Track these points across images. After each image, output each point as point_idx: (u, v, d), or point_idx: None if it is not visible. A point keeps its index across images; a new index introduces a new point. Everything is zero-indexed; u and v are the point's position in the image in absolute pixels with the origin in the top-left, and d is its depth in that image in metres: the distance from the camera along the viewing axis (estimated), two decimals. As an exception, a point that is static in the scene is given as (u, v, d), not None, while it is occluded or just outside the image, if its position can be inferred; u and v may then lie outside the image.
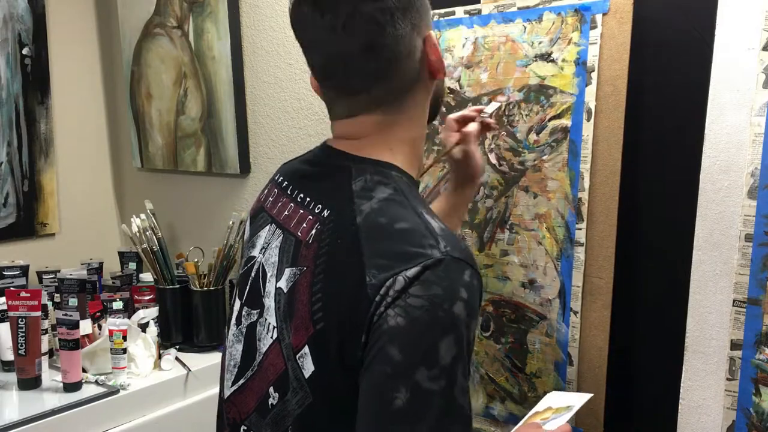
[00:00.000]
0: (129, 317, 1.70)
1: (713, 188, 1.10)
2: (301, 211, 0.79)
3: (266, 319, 0.80)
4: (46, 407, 1.40)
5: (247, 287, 0.85)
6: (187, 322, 1.78)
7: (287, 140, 1.78)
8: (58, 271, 1.74)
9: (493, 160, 1.30)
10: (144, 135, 2.12)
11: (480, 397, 1.34)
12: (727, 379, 1.09)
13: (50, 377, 1.54)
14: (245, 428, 0.84)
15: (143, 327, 1.67)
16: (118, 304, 1.72)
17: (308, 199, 0.80)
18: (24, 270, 1.84)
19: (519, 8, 1.26)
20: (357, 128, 0.80)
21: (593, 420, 1.22)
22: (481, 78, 1.31)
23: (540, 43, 1.24)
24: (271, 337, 0.78)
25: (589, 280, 1.21)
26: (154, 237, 1.81)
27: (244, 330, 0.84)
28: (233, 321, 0.87)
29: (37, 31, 1.99)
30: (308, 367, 0.72)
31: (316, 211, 0.77)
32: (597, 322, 1.21)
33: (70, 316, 1.48)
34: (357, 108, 0.79)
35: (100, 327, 1.68)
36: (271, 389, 0.78)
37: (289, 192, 0.84)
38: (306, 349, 0.72)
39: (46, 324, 1.55)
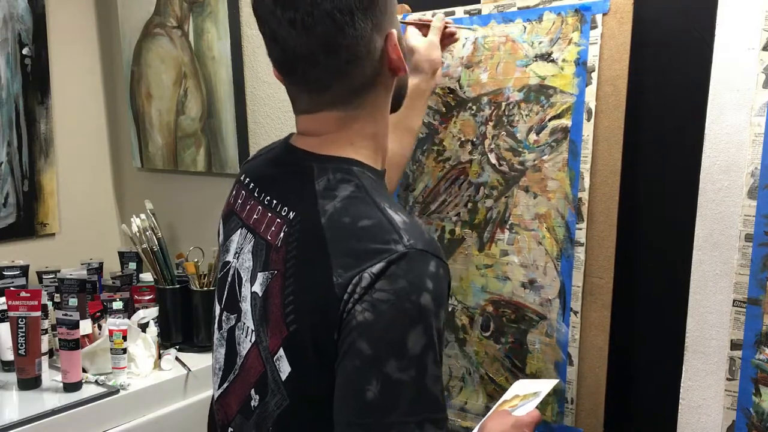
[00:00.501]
0: (129, 317, 1.70)
1: (713, 188, 1.10)
2: (269, 215, 0.80)
3: (244, 323, 0.81)
4: (46, 407, 1.40)
5: (225, 292, 0.86)
6: (187, 322, 1.78)
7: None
8: (58, 271, 1.74)
9: (494, 160, 1.30)
10: (144, 135, 2.12)
11: (480, 397, 1.34)
12: (727, 379, 1.09)
13: (50, 377, 1.54)
14: (231, 430, 0.85)
15: (143, 327, 1.67)
16: (118, 304, 1.72)
17: (274, 201, 0.80)
18: (24, 270, 1.84)
19: (519, 8, 1.26)
20: (318, 125, 0.81)
21: (593, 420, 1.22)
22: (481, 78, 1.31)
23: (540, 43, 1.24)
24: (250, 341, 0.79)
25: (589, 280, 1.21)
26: (154, 237, 1.81)
27: (225, 334, 0.85)
28: (216, 325, 0.89)
29: (37, 31, 1.99)
30: (285, 369, 0.74)
31: (283, 213, 0.78)
32: (597, 322, 1.21)
33: (70, 316, 1.48)
34: (318, 104, 0.80)
35: (100, 327, 1.68)
36: (253, 391, 0.79)
37: (256, 194, 0.84)
38: (281, 351, 0.74)
39: (46, 324, 1.55)
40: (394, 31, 0.79)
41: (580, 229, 1.21)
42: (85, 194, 2.18)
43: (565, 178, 1.22)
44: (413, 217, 0.87)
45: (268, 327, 0.76)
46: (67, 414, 1.41)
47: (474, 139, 1.32)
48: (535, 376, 1.27)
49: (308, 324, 0.72)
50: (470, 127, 1.33)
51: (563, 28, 1.21)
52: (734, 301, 1.08)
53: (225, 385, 0.86)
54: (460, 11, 1.34)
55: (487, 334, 1.33)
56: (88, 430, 1.43)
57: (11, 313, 1.49)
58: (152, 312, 1.74)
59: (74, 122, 2.13)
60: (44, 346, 1.54)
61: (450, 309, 1.36)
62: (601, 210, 1.19)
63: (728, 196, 1.08)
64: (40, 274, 1.90)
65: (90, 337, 1.63)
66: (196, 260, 1.77)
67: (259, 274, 0.78)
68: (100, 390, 1.50)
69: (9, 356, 1.56)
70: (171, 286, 1.79)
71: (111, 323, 1.56)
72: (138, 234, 1.80)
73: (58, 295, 1.65)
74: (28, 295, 1.49)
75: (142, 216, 1.83)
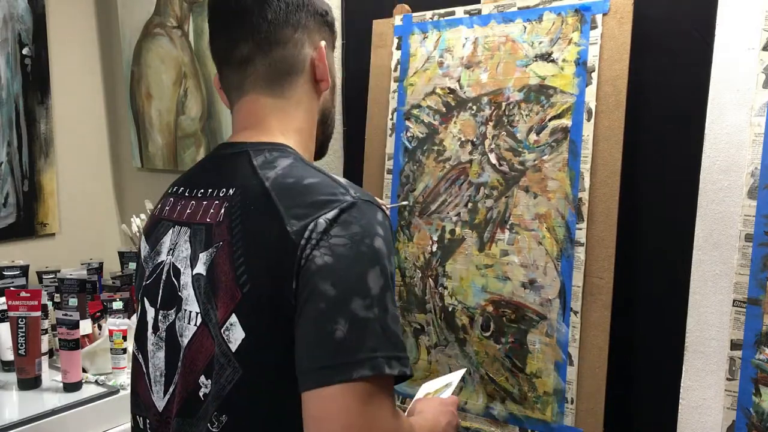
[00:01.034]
0: (129, 317, 1.70)
1: (713, 188, 1.10)
2: (205, 202, 0.81)
3: (186, 311, 0.80)
4: (46, 407, 1.40)
5: (160, 292, 0.85)
6: (187, 322, 1.77)
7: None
8: (58, 271, 1.74)
9: (493, 160, 1.30)
10: (144, 135, 2.12)
11: (480, 397, 1.34)
12: (727, 379, 1.09)
13: (50, 377, 1.54)
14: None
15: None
16: (118, 304, 1.72)
17: (210, 189, 0.82)
18: (24, 270, 1.84)
19: (519, 8, 1.26)
20: (248, 109, 0.85)
21: (593, 420, 1.22)
22: (481, 78, 1.31)
23: (540, 43, 1.24)
24: (195, 324, 0.78)
25: (589, 280, 1.21)
26: (154, 237, 1.80)
27: (163, 335, 0.84)
28: (149, 331, 0.86)
29: (37, 31, 1.99)
30: (236, 338, 0.74)
31: (221, 194, 0.79)
32: (597, 322, 1.21)
33: (70, 316, 1.48)
34: (247, 84, 0.84)
35: (100, 327, 1.68)
36: (202, 378, 0.78)
37: (187, 194, 0.86)
38: (233, 317, 0.74)
39: (46, 324, 1.55)
40: (323, 44, 0.87)
41: (580, 229, 1.21)
42: (85, 194, 2.18)
43: (565, 178, 1.22)
44: None
45: (216, 299, 0.75)
46: (67, 414, 1.40)
47: (474, 139, 1.32)
48: (535, 375, 1.27)
49: (264, 279, 0.72)
50: (470, 127, 1.33)
51: (563, 28, 1.21)
52: (734, 301, 1.08)
53: (172, 389, 0.83)
54: (460, 11, 1.34)
55: (487, 334, 1.33)
56: (88, 430, 1.43)
57: (11, 313, 1.49)
58: (152, 312, 1.74)
59: (74, 122, 2.13)
60: (44, 346, 1.54)
61: (450, 309, 1.36)
62: (601, 210, 1.19)
63: (728, 196, 1.08)
64: (40, 274, 1.90)
65: (90, 337, 1.63)
66: (196, 260, 1.76)
67: (201, 254, 0.79)
68: (100, 390, 1.50)
69: (9, 356, 1.56)
70: (171, 286, 1.79)
71: (111, 323, 1.56)
72: (138, 234, 1.80)
73: (58, 295, 1.64)
74: (28, 295, 1.49)
75: (142, 216, 1.83)
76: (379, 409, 0.69)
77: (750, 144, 1.05)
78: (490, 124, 1.30)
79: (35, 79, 2.00)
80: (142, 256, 0.91)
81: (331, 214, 0.72)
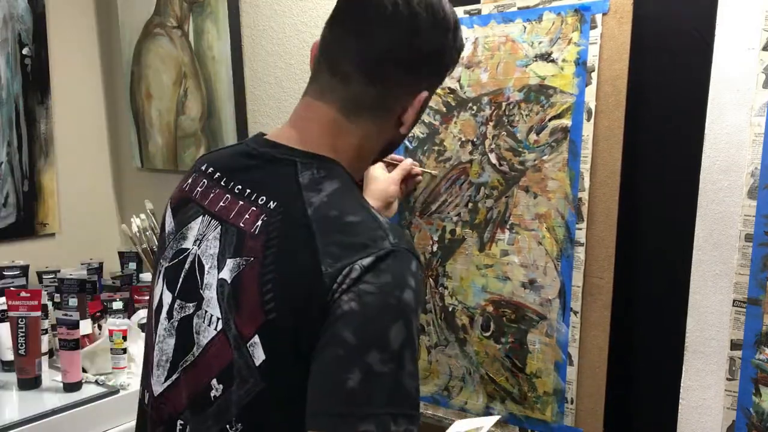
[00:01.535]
0: (129, 317, 1.70)
1: (713, 188, 1.10)
2: (241, 203, 0.79)
3: (206, 311, 0.79)
4: (46, 407, 1.40)
5: (180, 281, 0.83)
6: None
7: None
8: (58, 271, 1.74)
9: (494, 160, 1.30)
10: (144, 135, 2.12)
11: (480, 397, 1.34)
12: (727, 379, 1.09)
13: (50, 377, 1.54)
14: (182, 423, 0.82)
15: (143, 327, 1.67)
16: (118, 304, 1.72)
17: (248, 190, 0.80)
18: (24, 270, 1.84)
19: (519, 8, 1.26)
20: (311, 115, 0.82)
21: (593, 420, 1.22)
22: (481, 78, 1.31)
23: (540, 43, 1.24)
24: (215, 329, 0.77)
25: (589, 280, 1.21)
26: (154, 237, 1.81)
27: (176, 324, 0.83)
28: (163, 315, 0.85)
29: (37, 31, 1.99)
30: (259, 356, 0.73)
31: (260, 202, 0.77)
32: (597, 322, 1.21)
33: (70, 316, 1.48)
34: (328, 92, 0.81)
35: (100, 327, 1.68)
36: (214, 381, 0.77)
37: (223, 183, 0.83)
38: (256, 338, 0.73)
39: (46, 324, 1.55)
40: (426, 94, 0.83)
41: (580, 229, 1.21)
42: (85, 194, 2.18)
43: (565, 178, 1.22)
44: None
45: (239, 314, 0.75)
46: (67, 414, 1.41)
47: (474, 139, 1.33)
48: (535, 375, 1.27)
49: (289, 311, 0.72)
50: (470, 127, 1.33)
51: (563, 28, 1.21)
52: (734, 301, 1.08)
53: (175, 377, 0.82)
54: (460, 11, 1.34)
55: (487, 334, 1.33)
56: (88, 430, 1.43)
57: (11, 313, 1.49)
58: (152, 312, 1.74)
59: (74, 122, 2.13)
60: (44, 346, 1.54)
61: (450, 309, 1.36)
62: (601, 210, 1.19)
63: (728, 196, 1.08)
64: (40, 274, 1.90)
65: (90, 337, 1.63)
66: (196, 260, 1.76)
67: (228, 260, 0.77)
68: (100, 390, 1.50)
69: (9, 356, 1.56)
70: (171, 286, 1.79)
71: (111, 323, 1.56)
72: (138, 234, 1.80)
73: (58, 295, 1.65)
74: (28, 295, 1.49)
75: (142, 216, 1.83)
76: None
77: (750, 144, 1.05)
78: (490, 124, 1.30)
79: (35, 79, 2.00)
80: (166, 230, 0.89)
81: (367, 261, 0.70)
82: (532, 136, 1.26)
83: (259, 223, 0.76)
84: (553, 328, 1.25)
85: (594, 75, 1.18)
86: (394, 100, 0.82)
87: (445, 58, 0.84)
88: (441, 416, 1.36)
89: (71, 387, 1.48)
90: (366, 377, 0.67)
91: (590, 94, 1.18)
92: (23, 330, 1.48)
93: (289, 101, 1.76)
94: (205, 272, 0.80)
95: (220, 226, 0.80)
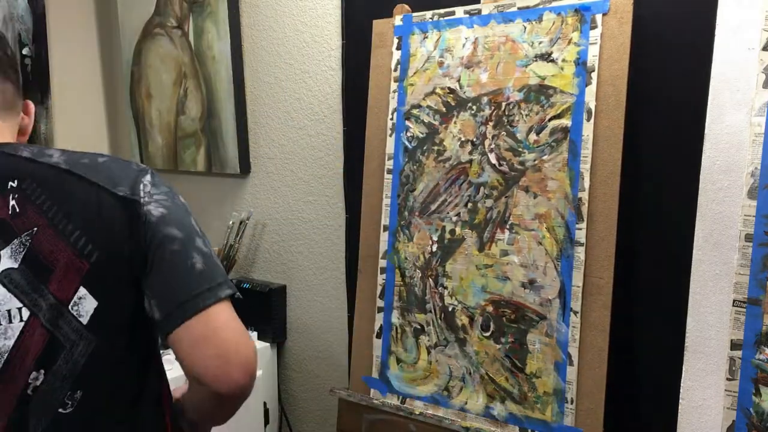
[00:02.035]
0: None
1: (713, 188, 1.10)
2: None
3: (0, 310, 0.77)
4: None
5: None
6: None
7: (287, 140, 1.78)
8: (58, 271, 1.74)
9: (494, 160, 1.30)
10: (144, 135, 2.12)
11: (480, 397, 1.34)
12: (727, 379, 1.09)
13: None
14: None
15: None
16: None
17: None
18: (24, 270, 1.84)
19: (519, 8, 1.26)
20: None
21: (593, 420, 1.22)
22: (481, 78, 1.31)
23: (540, 43, 1.24)
24: (20, 320, 0.77)
25: (589, 280, 1.21)
26: (154, 237, 1.80)
27: None
28: None
29: (37, 31, 1.99)
30: (87, 310, 0.78)
31: None
32: (597, 322, 1.21)
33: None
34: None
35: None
36: (33, 374, 0.77)
37: None
38: (81, 290, 0.78)
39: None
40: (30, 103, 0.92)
41: (580, 229, 1.21)
42: (85, 194, 2.18)
43: (565, 178, 1.22)
44: None
45: (51, 281, 0.77)
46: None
47: (474, 139, 1.33)
48: (535, 375, 1.27)
49: (112, 242, 0.78)
50: (470, 127, 1.33)
51: (563, 28, 1.21)
52: (734, 301, 1.08)
53: None
54: (460, 11, 1.34)
55: (487, 334, 1.33)
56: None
57: (11, 313, 1.49)
58: (152, 312, 1.74)
59: (74, 122, 2.13)
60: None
61: (450, 309, 1.36)
62: (601, 210, 1.19)
63: (728, 196, 1.08)
64: (40, 274, 1.90)
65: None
66: (196, 260, 1.76)
67: (2, 251, 0.77)
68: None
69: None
70: (171, 286, 1.79)
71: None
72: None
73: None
74: (28, 295, 1.49)
75: (142, 216, 1.83)
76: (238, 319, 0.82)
77: (750, 144, 1.05)
78: (490, 124, 1.30)
79: (35, 79, 2.00)
80: None
81: (147, 178, 0.83)
82: (532, 136, 1.26)
83: (13, 202, 0.79)
84: (553, 328, 1.25)
85: (594, 75, 1.18)
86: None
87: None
88: (441, 416, 1.36)
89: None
90: (204, 257, 0.81)
91: (590, 94, 1.18)
92: (23, 330, 1.48)
93: (289, 101, 1.76)
94: None
95: None
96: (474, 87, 1.32)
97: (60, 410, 0.79)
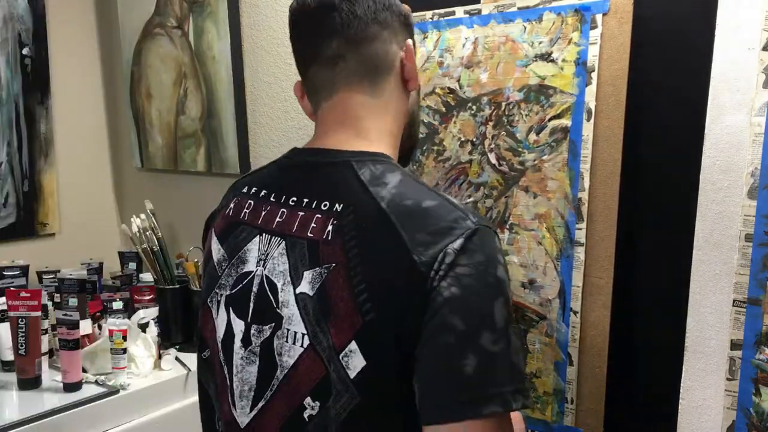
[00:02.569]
0: (129, 317, 1.70)
1: (713, 188, 1.10)
2: (302, 213, 0.77)
3: (288, 330, 0.76)
4: (46, 407, 1.40)
5: (251, 305, 0.81)
6: (187, 322, 1.78)
7: (287, 140, 1.78)
8: (58, 271, 1.74)
9: (493, 160, 1.30)
10: (144, 135, 2.12)
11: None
12: (727, 379, 1.09)
13: (50, 377, 1.54)
14: None
15: (143, 327, 1.67)
16: (118, 304, 1.72)
17: (306, 200, 0.78)
18: (24, 270, 1.85)
19: (519, 8, 1.26)
20: (338, 112, 0.83)
21: (593, 420, 1.22)
22: (481, 78, 1.31)
23: (540, 43, 1.24)
24: (301, 346, 0.75)
25: (589, 280, 1.21)
26: (154, 237, 1.81)
27: (257, 350, 0.80)
28: (237, 345, 0.82)
29: (37, 31, 1.99)
30: (356, 365, 0.71)
31: (323, 208, 0.76)
32: (597, 322, 1.21)
33: (70, 316, 1.48)
34: (339, 80, 0.82)
35: (100, 327, 1.68)
36: (308, 400, 0.75)
37: (273, 199, 0.82)
38: (353, 345, 0.71)
39: (46, 324, 1.55)
40: (410, 41, 0.85)
41: (580, 229, 1.21)
42: (85, 194, 2.18)
43: (564, 178, 1.22)
44: None
45: (330, 323, 0.72)
46: (67, 414, 1.41)
47: (474, 139, 1.32)
48: (535, 375, 1.27)
49: (388, 308, 0.70)
50: (470, 127, 1.33)
51: (563, 28, 1.21)
52: (734, 301, 1.08)
53: (261, 404, 0.80)
54: (460, 11, 1.34)
55: (487, 334, 1.33)
56: (88, 430, 1.43)
57: (11, 313, 1.49)
58: (152, 312, 1.74)
59: (74, 122, 2.13)
60: (44, 346, 1.54)
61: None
62: (601, 210, 1.19)
63: (728, 196, 1.08)
64: (40, 274, 1.90)
65: (90, 337, 1.63)
66: (196, 260, 1.77)
67: (306, 272, 0.75)
68: (100, 390, 1.50)
69: (9, 356, 1.56)
70: (171, 286, 1.79)
71: (111, 323, 1.56)
72: (138, 234, 1.80)
73: (58, 295, 1.65)
74: (28, 295, 1.49)
75: (142, 216, 1.83)
76: None
77: (750, 144, 1.05)
78: (490, 124, 1.30)
79: (35, 79, 2.00)
80: (215, 259, 0.87)
81: (457, 244, 0.69)
82: (532, 136, 1.26)
83: (330, 228, 0.74)
84: (553, 328, 1.25)
85: (594, 75, 1.18)
86: (387, 55, 0.83)
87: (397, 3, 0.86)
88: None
89: (71, 387, 1.48)
90: (482, 360, 0.67)
91: (590, 94, 1.18)
92: (23, 330, 1.48)
93: (289, 101, 1.76)
94: (279, 290, 0.78)
95: (284, 242, 0.78)
96: (474, 87, 1.32)
97: None
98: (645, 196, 1.21)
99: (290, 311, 0.76)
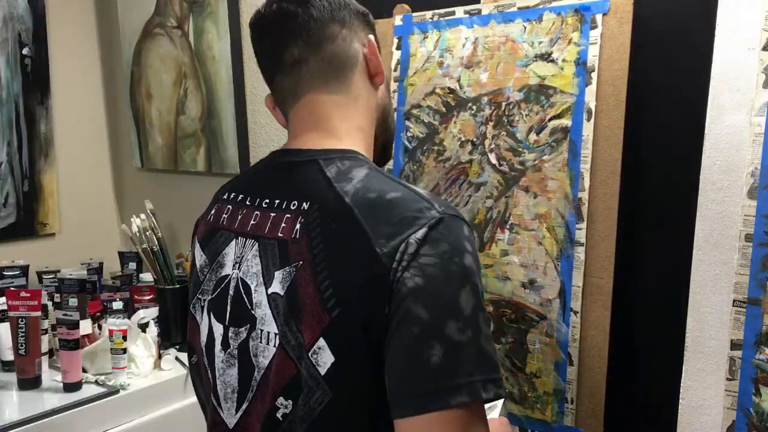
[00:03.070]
0: (129, 317, 1.70)
1: (713, 188, 1.10)
2: (273, 215, 0.78)
3: (262, 330, 0.77)
4: (46, 407, 1.40)
5: (228, 308, 0.82)
6: (187, 322, 1.78)
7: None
8: (58, 271, 1.74)
9: (493, 160, 1.30)
10: (144, 135, 2.12)
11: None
12: (727, 379, 1.09)
13: (50, 377, 1.54)
14: None
15: (143, 327, 1.67)
16: (118, 304, 1.72)
17: (277, 201, 0.79)
18: (24, 270, 1.84)
19: (519, 8, 1.26)
20: (307, 112, 0.83)
21: (593, 420, 1.22)
22: (481, 78, 1.31)
23: (540, 43, 1.24)
24: (274, 346, 0.76)
25: (589, 280, 1.21)
26: (154, 237, 1.81)
27: (235, 352, 0.81)
28: (218, 348, 0.83)
29: (37, 31, 1.99)
30: (325, 361, 0.71)
31: (292, 207, 0.77)
32: (597, 322, 1.21)
33: (70, 316, 1.48)
34: (303, 85, 0.83)
35: (100, 327, 1.68)
36: (281, 399, 0.75)
37: (248, 203, 0.83)
38: (321, 341, 0.71)
39: (46, 324, 1.55)
40: (372, 37, 0.86)
41: (580, 229, 1.21)
42: (85, 194, 2.18)
43: (565, 178, 1.22)
44: None
45: (300, 322, 0.72)
46: (67, 414, 1.41)
47: (474, 139, 1.32)
48: (535, 375, 1.27)
49: (354, 303, 0.70)
50: (470, 127, 1.33)
51: (563, 28, 1.21)
52: (734, 301, 1.08)
53: (245, 406, 0.81)
54: (460, 11, 1.34)
55: (487, 334, 1.33)
56: (88, 430, 1.43)
57: (11, 313, 1.49)
58: (152, 312, 1.74)
59: (74, 122, 2.13)
60: (44, 346, 1.54)
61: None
62: (601, 210, 1.19)
63: (728, 196, 1.08)
64: (40, 274, 1.90)
65: (90, 337, 1.63)
66: (196, 260, 1.76)
67: (276, 272, 0.75)
68: (100, 390, 1.50)
69: (9, 356, 1.56)
70: (171, 286, 1.79)
71: (111, 323, 1.56)
72: (138, 234, 1.80)
73: (58, 295, 1.65)
74: (28, 295, 1.49)
75: (142, 216, 1.83)
76: None
77: (750, 144, 1.05)
78: (490, 124, 1.30)
79: (35, 79, 2.00)
80: (198, 265, 0.88)
81: (420, 233, 0.69)
82: (532, 136, 1.26)
83: (298, 226, 0.75)
84: (553, 328, 1.25)
85: (594, 75, 1.18)
86: (348, 52, 0.83)
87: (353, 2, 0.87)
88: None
89: (71, 387, 1.48)
90: (448, 349, 0.66)
91: (590, 94, 1.18)
92: (23, 330, 1.48)
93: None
94: (252, 291, 0.78)
95: (257, 244, 0.79)
96: (474, 87, 1.32)
97: None
98: (645, 196, 1.21)
99: (263, 312, 0.77)
